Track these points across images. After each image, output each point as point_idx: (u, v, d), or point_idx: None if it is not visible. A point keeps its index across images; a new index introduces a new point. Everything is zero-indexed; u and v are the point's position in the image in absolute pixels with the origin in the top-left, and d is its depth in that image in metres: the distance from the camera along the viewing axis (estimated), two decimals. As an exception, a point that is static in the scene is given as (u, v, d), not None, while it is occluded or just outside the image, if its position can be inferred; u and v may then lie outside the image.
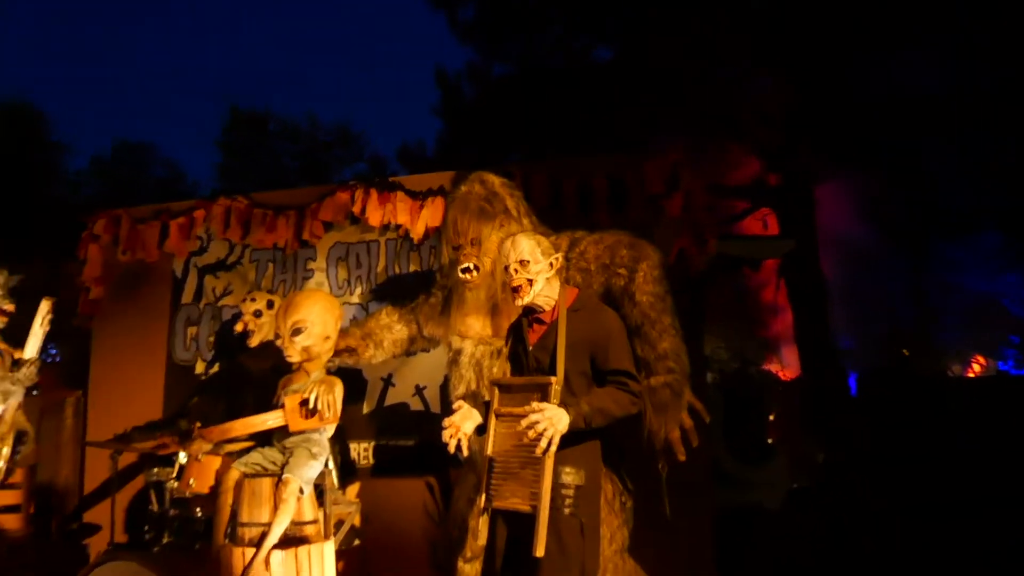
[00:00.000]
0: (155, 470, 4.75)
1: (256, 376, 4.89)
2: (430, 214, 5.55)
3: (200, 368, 5.93)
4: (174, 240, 6.08)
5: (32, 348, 4.67)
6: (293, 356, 3.79)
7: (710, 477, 5.00)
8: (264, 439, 3.80)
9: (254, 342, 5.17)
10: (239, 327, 5.20)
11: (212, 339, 5.95)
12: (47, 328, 4.70)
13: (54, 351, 8.22)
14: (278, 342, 3.85)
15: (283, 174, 20.29)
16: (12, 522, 5.35)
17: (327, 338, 3.84)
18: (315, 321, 3.79)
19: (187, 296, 6.07)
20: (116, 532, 4.98)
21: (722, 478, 5.62)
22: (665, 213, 5.19)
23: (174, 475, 4.63)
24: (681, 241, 5.08)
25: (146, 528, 4.71)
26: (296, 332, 3.76)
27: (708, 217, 5.35)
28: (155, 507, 4.71)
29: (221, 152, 22.03)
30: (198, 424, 4.09)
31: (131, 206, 6.39)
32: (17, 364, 4.65)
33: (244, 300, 5.31)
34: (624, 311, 3.92)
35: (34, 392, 4.66)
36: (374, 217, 5.64)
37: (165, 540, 4.57)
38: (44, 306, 4.69)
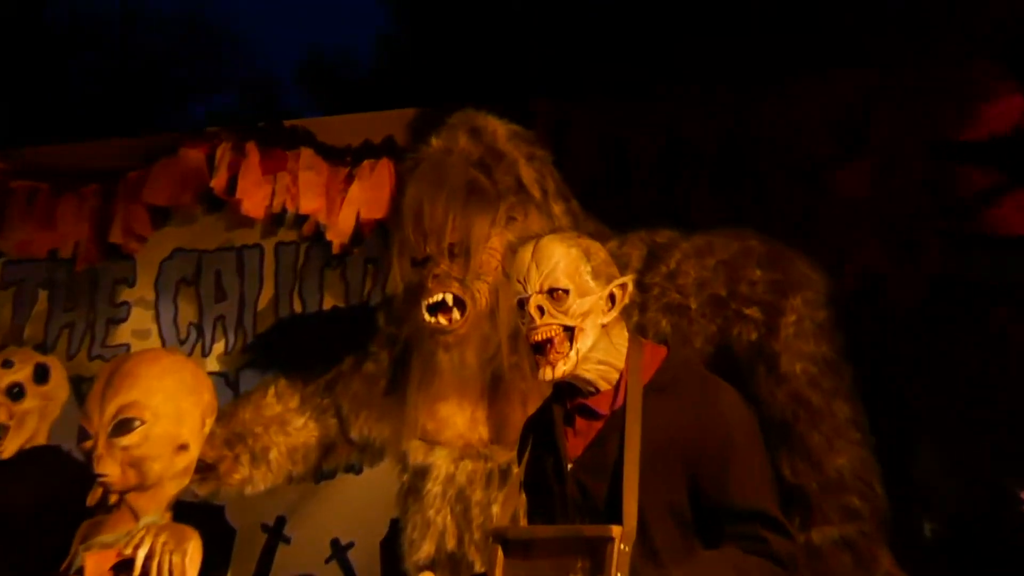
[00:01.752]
0: None
1: (11, 521, 4.91)
2: (366, 194, 5.62)
3: None
4: None
5: None
6: (110, 474, 3.79)
7: None
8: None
9: (9, 449, 5.18)
10: (-20, 420, 5.22)
11: (-77, 443, 5.97)
12: None
13: None
14: (84, 445, 3.87)
15: (74, 110, 20.42)
16: None
17: (181, 448, 3.89)
18: (161, 411, 3.83)
19: None
20: None
21: None
22: (835, 194, 5.21)
23: None
24: (869, 251, 5.09)
25: None
26: (122, 427, 3.78)
27: (928, 203, 5.36)
28: None
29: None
30: None
31: None
32: None
33: (-10, 365, 5.33)
34: (759, 390, 3.97)
35: None
36: (254, 199, 5.73)
37: None
38: None
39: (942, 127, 5.49)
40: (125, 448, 3.81)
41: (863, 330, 4.35)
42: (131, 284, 5.95)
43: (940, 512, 5.08)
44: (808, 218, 5.02)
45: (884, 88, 5.40)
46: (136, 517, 3.84)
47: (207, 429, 4.03)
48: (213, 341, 5.81)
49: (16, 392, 5.22)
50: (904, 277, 5.09)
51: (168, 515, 3.89)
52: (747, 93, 5.52)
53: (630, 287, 3.48)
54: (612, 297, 3.41)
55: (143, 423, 3.81)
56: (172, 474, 3.90)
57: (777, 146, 5.30)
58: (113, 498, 3.88)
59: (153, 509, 3.86)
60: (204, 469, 4.84)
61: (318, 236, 5.74)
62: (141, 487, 3.86)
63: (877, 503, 4.01)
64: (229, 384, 5.68)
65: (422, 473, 4.55)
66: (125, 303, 5.94)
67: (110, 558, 3.67)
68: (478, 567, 4.06)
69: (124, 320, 5.93)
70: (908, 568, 4.09)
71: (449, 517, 4.42)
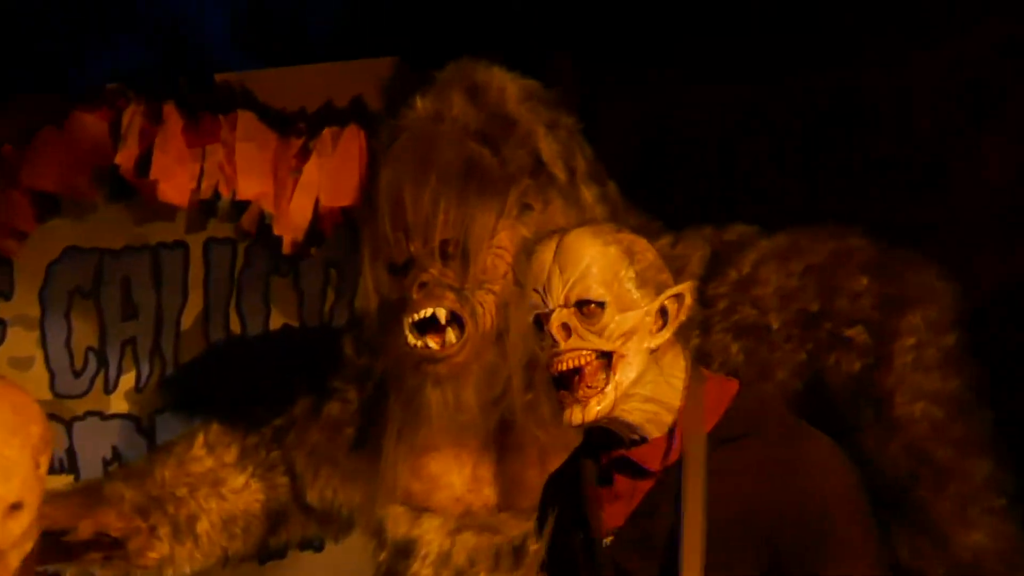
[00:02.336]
0: None
1: None
2: (327, 176, 5.64)
3: None
4: None
5: None
6: None
7: None
8: None
9: None
10: None
11: None
12: None
13: None
14: None
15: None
16: None
17: (13, 507, 3.88)
18: None
19: None
20: None
21: None
22: (961, 181, 5.21)
23: None
24: (1010, 254, 5.10)
25: None
26: None
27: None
28: None
29: None
30: None
31: None
32: None
33: None
34: (864, 441, 3.97)
35: None
36: (173, 180, 5.75)
37: None
38: None
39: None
40: None
41: (1004, 359, 4.31)
42: (7, 297, 6.01)
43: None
44: (927, 212, 5.00)
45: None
46: None
47: (43, 470, 4.01)
48: (120, 373, 5.85)
49: None
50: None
51: None
52: (846, 62, 5.52)
53: (688, 299, 3.46)
54: (664, 312, 3.39)
55: None
56: (10, 543, 3.90)
57: (884, 124, 5.30)
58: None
59: None
60: (109, 547, 4.87)
61: (263, 231, 5.77)
62: None
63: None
64: (142, 431, 5.73)
65: (406, 550, 4.52)
66: (1, 321, 5.98)
67: None
68: None
69: (-1, 343, 5.96)
70: None
71: (440, 616, 4.44)
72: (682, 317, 3.40)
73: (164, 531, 4.96)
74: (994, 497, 4.04)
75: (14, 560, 3.87)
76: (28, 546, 4.03)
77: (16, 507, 3.86)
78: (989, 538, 4.01)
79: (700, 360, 3.72)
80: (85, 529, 4.85)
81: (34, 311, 5.96)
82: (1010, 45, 5.35)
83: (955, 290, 4.28)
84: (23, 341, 5.95)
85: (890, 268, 4.27)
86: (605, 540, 3.43)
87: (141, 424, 5.73)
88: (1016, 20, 5.46)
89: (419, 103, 4.62)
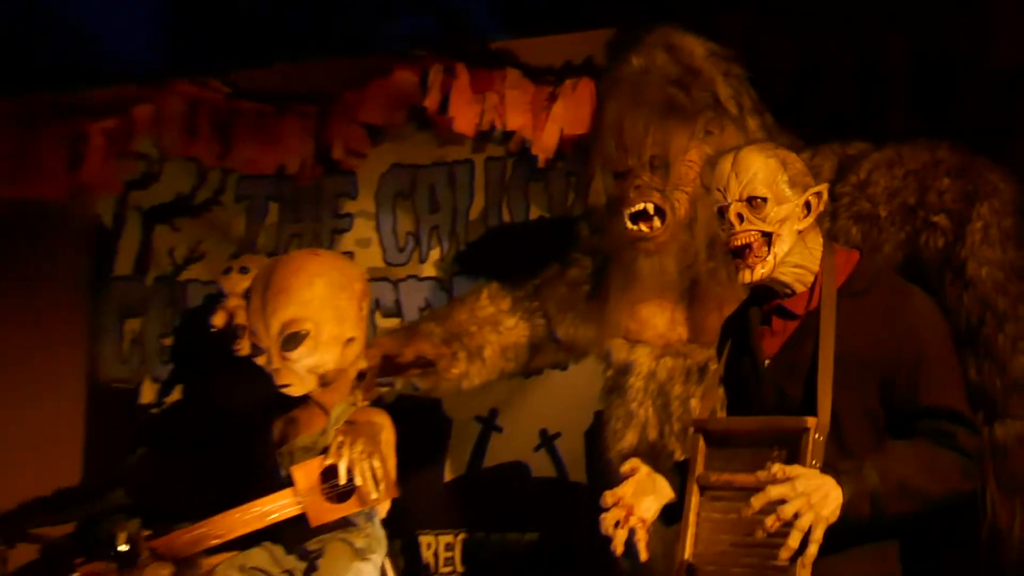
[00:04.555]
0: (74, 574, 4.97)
1: (252, 412, 5.05)
2: (568, 112, 5.63)
3: (148, 395, 6.25)
4: (97, 161, 6.35)
5: None
6: (292, 384, 3.95)
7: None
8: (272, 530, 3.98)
9: (247, 347, 5.31)
10: (218, 320, 5.38)
11: (169, 342, 6.26)
12: None
13: None
14: (259, 360, 4.04)
15: (284, 38, 20.57)
16: None
17: (348, 341, 4.00)
18: (321, 316, 3.94)
19: (123, 264, 6.40)
20: None
21: None
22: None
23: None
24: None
25: None
26: (290, 343, 3.88)
27: None
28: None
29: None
30: (145, 535, 4.28)
31: (10, 97, 6.74)
32: None
33: (228, 271, 5.51)
34: (947, 296, 3.98)
35: None
36: (464, 117, 5.76)
37: None
38: None
39: None
40: (298, 359, 3.92)
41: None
42: (353, 197, 6.10)
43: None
44: (1001, 130, 4.88)
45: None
46: (326, 411, 3.97)
47: (365, 311, 4.10)
48: (429, 249, 5.93)
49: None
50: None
51: (352, 398, 3.99)
52: (941, 5, 5.39)
53: (825, 195, 3.48)
54: (808, 205, 3.42)
55: (308, 333, 3.91)
56: (348, 364, 4.02)
57: (970, 58, 5.15)
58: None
59: (339, 399, 4.01)
60: (424, 365, 4.99)
61: (524, 151, 5.78)
62: (323, 385, 3.97)
63: (1060, 402, 3.98)
64: (444, 288, 5.83)
65: (625, 369, 4.67)
66: (348, 214, 6.10)
67: (314, 469, 3.79)
68: (678, 455, 4.12)
69: (347, 230, 6.09)
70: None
71: (651, 410, 4.54)
72: (820, 208, 3.43)
73: (462, 355, 5.10)
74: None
75: (351, 374, 4.14)
76: (362, 363, 4.16)
77: (350, 341, 3.98)
78: None
79: (831, 238, 3.72)
80: (408, 354, 5.00)
81: (371, 207, 6.05)
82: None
83: (1015, 187, 4.22)
84: (364, 228, 6.06)
85: (966, 171, 4.24)
86: (764, 363, 3.46)
87: (444, 283, 5.83)
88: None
89: (632, 59, 4.67)
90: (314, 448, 3.91)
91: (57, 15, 23.47)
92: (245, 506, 3.85)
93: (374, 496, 3.72)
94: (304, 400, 4.05)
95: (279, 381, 3.96)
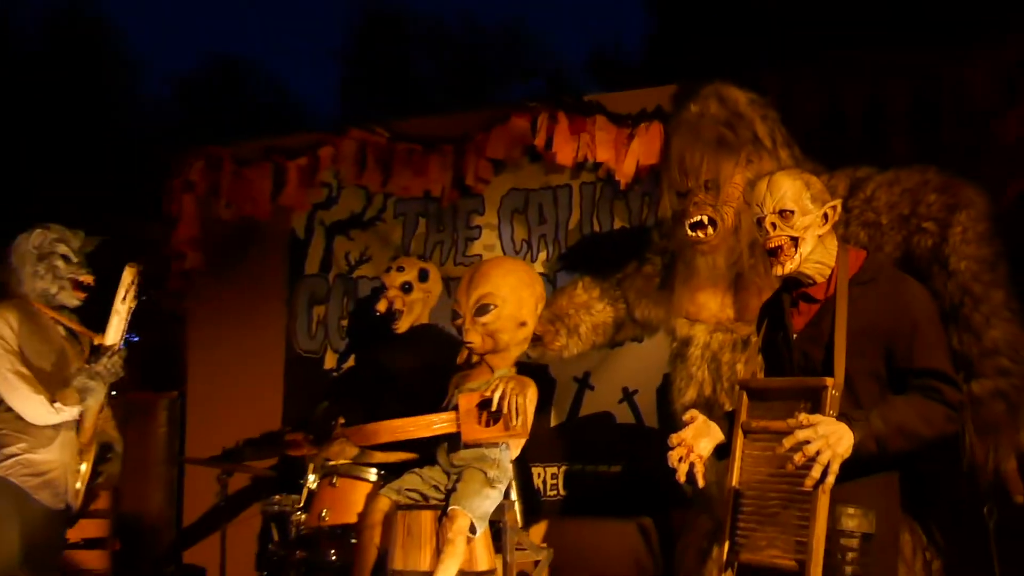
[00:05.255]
0: (275, 497, 5.07)
1: (406, 375, 5.14)
2: (643, 147, 5.59)
3: (330, 362, 6.33)
4: (293, 189, 6.45)
5: (115, 331, 4.33)
6: (474, 342, 4.10)
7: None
8: (424, 456, 4.04)
9: (403, 327, 5.44)
10: (382, 306, 5.50)
11: (345, 323, 6.34)
12: (132, 304, 4.35)
13: (134, 337, 8.41)
14: (456, 323, 4.19)
15: (429, 95, 20.77)
16: (94, 560, 5.86)
17: (522, 324, 4.11)
18: (508, 298, 4.12)
19: (312, 265, 6.48)
20: (225, 578, 5.38)
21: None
22: (996, 140, 5.00)
23: (301, 504, 4.93)
24: (1020, 182, 4.90)
25: (264, 574, 5.01)
26: (482, 310, 4.03)
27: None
28: (276, 547, 4.99)
29: (341, 67, 22.87)
30: (341, 420, 4.37)
31: (229, 142, 6.81)
32: (96, 352, 4.27)
33: (388, 270, 5.62)
34: (934, 284, 3.94)
35: (113, 392, 4.58)
36: (564, 152, 5.75)
37: (290, 592, 4.85)
38: (127, 275, 4.34)
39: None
40: (484, 324, 4.07)
41: (1013, 238, 4.22)
42: (481, 213, 6.11)
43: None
44: (976, 156, 4.85)
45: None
46: (492, 371, 4.06)
47: (539, 310, 4.22)
48: (538, 252, 5.93)
49: (407, 287, 5.49)
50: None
51: (513, 369, 4.08)
52: (931, 57, 5.31)
53: (839, 208, 3.48)
54: (826, 215, 3.41)
55: (496, 307, 4.08)
56: (516, 342, 4.13)
57: (953, 101, 5.09)
58: (475, 358, 4.11)
59: (503, 366, 4.09)
60: (535, 339, 5.01)
61: (609, 177, 5.75)
62: (495, 351, 4.09)
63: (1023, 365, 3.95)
64: (549, 281, 5.79)
65: (686, 342, 4.70)
66: (477, 226, 6.11)
67: (475, 399, 3.89)
68: (727, 407, 4.10)
69: (477, 238, 6.11)
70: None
71: (706, 372, 4.57)
72: (835, 218, 3.42)
73: (563, 331, 5.14)
74: (1006, 312, 4.04)
75: (515, 352, 4.30)
76: (525, 347, 4.35)
77: (523, 324, 4.11)
78: (1002, 333, 4.01)
79: (844, 240, 3.69)
80: None
81: (494, 221, 6.06)
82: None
83: (987, 199, 4.21)
84: (489, 236, 6.08)
85: (949, 188, 4.24)
86: (793, 336, 3.45)
87: (549, 278, 5.80)
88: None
89: (691, 106, 4.70)
90: (478, 389, 4.07)
91: (261, 78, 24.03)
92: (417, 417, 4.05)
93: (514, 424, 3.83)
94: (479, 363, 4.21)
95: (466, 339, 4.16)
